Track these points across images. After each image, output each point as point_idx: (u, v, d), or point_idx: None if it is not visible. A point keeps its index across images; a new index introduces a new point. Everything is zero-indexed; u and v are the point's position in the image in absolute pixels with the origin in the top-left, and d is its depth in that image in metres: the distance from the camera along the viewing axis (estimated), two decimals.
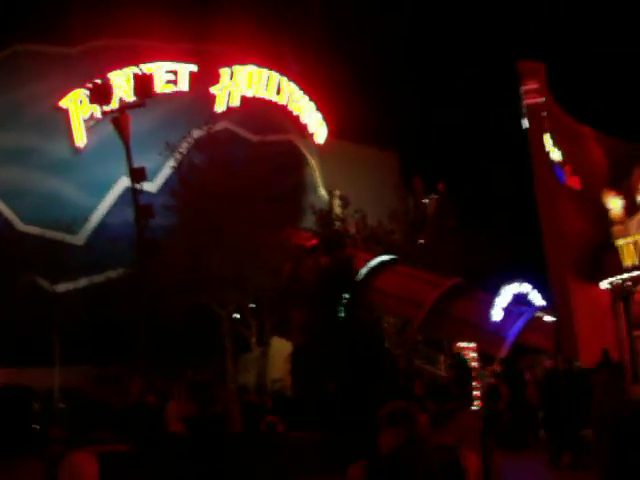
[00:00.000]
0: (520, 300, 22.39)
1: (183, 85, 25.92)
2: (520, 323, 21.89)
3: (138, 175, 20.68)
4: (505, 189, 33.64)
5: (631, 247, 29.67)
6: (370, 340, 19.45)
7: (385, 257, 23.56)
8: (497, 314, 21.18)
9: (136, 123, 21.23)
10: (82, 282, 24.19)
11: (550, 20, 48.19)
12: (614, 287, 31.70)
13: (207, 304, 20.22)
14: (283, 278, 21.24)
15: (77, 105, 25.43)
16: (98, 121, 24.05)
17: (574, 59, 43.91)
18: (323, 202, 26.72)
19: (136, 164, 20.91)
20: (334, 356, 19.07)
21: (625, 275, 30.28)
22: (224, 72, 26.81)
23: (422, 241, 27.02)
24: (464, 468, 5.02)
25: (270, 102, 28.18)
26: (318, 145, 29.93)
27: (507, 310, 21.44)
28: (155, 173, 23.75)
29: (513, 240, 28.01)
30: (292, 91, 28.86)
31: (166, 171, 24.56)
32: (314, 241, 22.44)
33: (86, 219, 25.68)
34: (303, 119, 29.39)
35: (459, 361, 16.39)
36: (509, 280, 22.40)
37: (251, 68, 27.40)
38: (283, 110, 28.72)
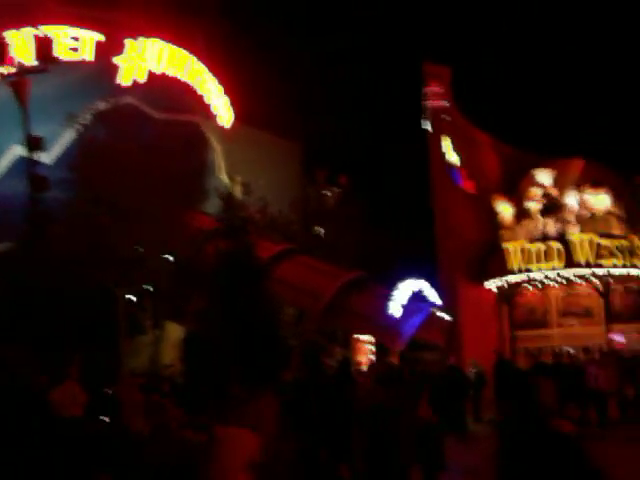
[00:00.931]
0: (417, 297, 22.84)
1: (87, 54, 24.79)
2: (417, 319, 22.34)
3: (35, 144, 19.74)
4: (405, 187, 34.26)
5: (517, 251, 30.92)
6: (268, 330, 19.29)
7: (286, 246, 23.46)
8: (395, 309, 21.50)
9: (34, 89, 20.25)
10: None
11: (459, 27, 49.37)
12: (499, 289, 32.97)
13: (103, 283, 19.50)
14: (182, 261, 20.80)
15: None
16: None
17: (478, 67, 45.19)
18: (225, 187, 26.28)
19: (32, 133, 19.96)
20: (229, 345, 18.84)
21: (510, 278, 31.55)
22: (130, 43, 25.81)
23: (322, 230, 27.12)
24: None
25: (178, 81, 27.41)
26: (223, 129, 29.43)
27: (405, 306, 21.81)
28: (52, 144, 22.65)
29: (413, 237, 28.56)
30: (201, 72, 28.20)
31: (64, 142, 23.46)
32: (216, 225, 22.05)
33: None
34: (210, 101, 28.80)
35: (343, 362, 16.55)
36: (408, 276, 22.80)
37: (161, 44, 26.57)
38: (190, 90, 28.02)
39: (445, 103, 33.51)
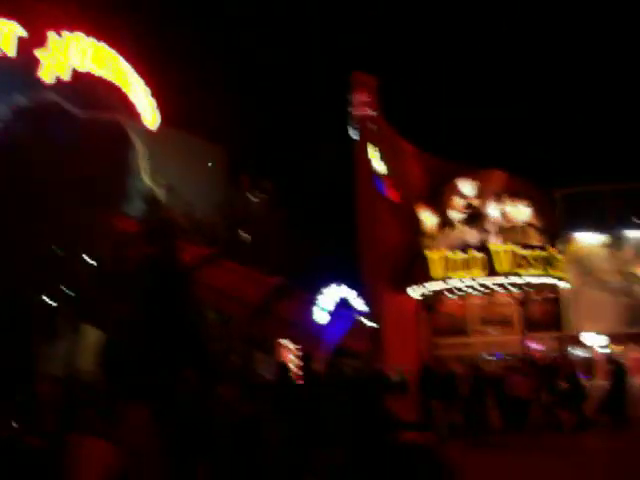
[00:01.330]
0: (343, 304, 22.89)
1: (7, 49, 23.91)
2: (342, 326, 22.38)
3: None
4: (331, 194, 34.40)
5: (439, 260, 31.42)
6: (192, 336, 18.98)
7: (211, 251, 23.15)
8: (320, 315, 21.48)
9: None
10: None
11: (387, 38, 50.08)
12: (421, 297, 33.42)
13: (17, 286, 18.77)
14: (104, 264, 20.26)
15: None
16: None
17: (404, 78, 45.92)
18: (149, 189, 25.77)
19: None
20: (152, 350, 18.44)
21: (432, 286, 32.03)
22: (53, 38, 25.03)
23: (247, 235, 26.91)
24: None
25: (103, 80, 26.74)
26: (148, 131, 28.86)
27: (330, 312, 21.81)
28: None
29: (338, 245, 28.69)
30: (127, 72, 27.60)
31: None
32: (139, 228, 21.56)
33: None
34: (135, 102, 28.21)
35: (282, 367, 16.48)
36: (332, 283, 22.83)
37: (85, 41, 25.86)
38: (115, 90, 27.38)
39: (372, 112, 33.84)
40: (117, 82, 27.50)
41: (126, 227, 21.69)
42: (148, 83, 28.52)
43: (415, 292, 32.77)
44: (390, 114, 35.54)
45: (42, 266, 18.75)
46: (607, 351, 34.29)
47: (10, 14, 23.88)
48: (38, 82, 24.10)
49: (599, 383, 22.89)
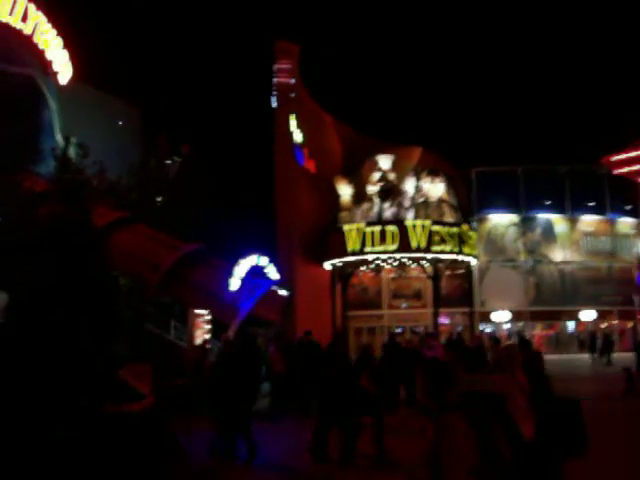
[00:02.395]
0: (257, 272, 22.67)
1: None
2: (255, 295, 22.19)
3: None
4: (249, 162, 34.00)
5: (354, 233, 31.64)
6: (103, 300, 18.41)
7: (124, 213, 22.48)
8: (234, 284, 21.23)
9: None
10: None
11: (311, 6, 49.58)
12: (335, 269, 33.62)
13: None
14: (10, 224, 19.39)
15: None
16: None
17: (327, 48, 45.65)
18: (60, 148, 24.79)
19: None
20: (61, 314, 17.82)
21: (346, 259, 32.25)
22: None
23: (160, 199, 26.29)
24: None
25: (13, 29, 25.40)
26: (60, 86, 27.65)
27: (244, 281, 21.57)
28: None
29: (254, 213, 28.42)
30: (40, 22, 26.28)
31: None
32: (49, 187, 20.71)
33: None
34: (48, 55, 26.94)
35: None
36: (247, 251, 22.57)
37: None
38: (27, 41, 26.07)
39: (293, 80, 33.55)
40: (29, 32, 26.19)
41: (35, 186, 20.82)
42: (61, 33, 27.27)
43: (330, 264, 32.92)
44: (311, 84, 35.36)
45: None
46: (511, 327, 35.53)
47: None
48: None
49: None
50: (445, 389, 5.21)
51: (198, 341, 20.90)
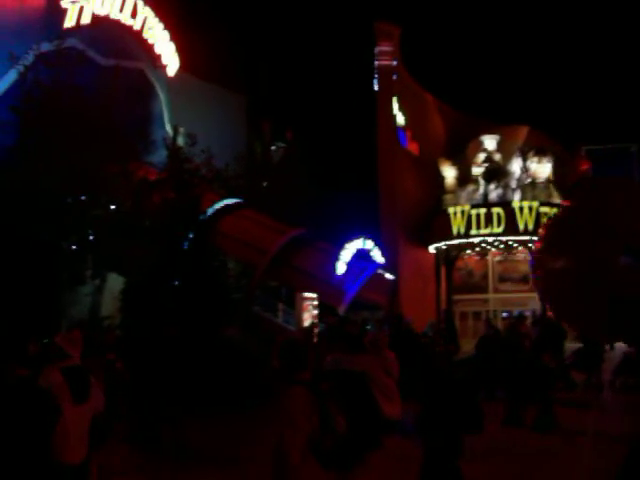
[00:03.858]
0: (362, 256, 22.86)
1: None
2: (361, 278, 22.39)
3: None
4: (352, 145, 34.16)
5: (459, 216, 31.29)
6: (214, 283, 19.12)
7: (232, 200, 23.12)
8: (340, 268, 21.49)
9: None
10: None
11: None
12: (440, 252, 33.38)
13: (42, 233, 18.91)
14: (125, 211, 20.34)
15: None
16: None
17: (428, 28, 45.12)
18: (170, 138, 25.73)
19: None
20: (173, 296, 18.62)
21: (451, 241, 31.97)
22: None
23: (265, 184, 26.85)
24: None
25: (123, 25, 26.51)
26: (169, 78, 28.66)
27: (350, 264, 21.80)
28: None
29: (358, 196, 28.57)
30: (148, 16, 27.31)
31: (4, 84, 22.52)
32: (161, 176, 21.57)
33: None
34: (156, 48, 27.97)
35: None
36: (352, 235, 22.79)
37: None
38: (137, 36, 27.14)
39: (394, 62, 33.36)
40: (138, 27, 27.25)
41: (147, 175, 21.73)
42: (168, 26, 28.23)
43: (434, 247, 32.73)
44: (413, 65, 35.07)
45: (67, 213, 18.86)
46: None
47: None
48: (61, 29, 23.96)
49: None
50: (296, 366, 5.59)
51: (305, 324, 21.33)
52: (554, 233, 6.18)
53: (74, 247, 19.90)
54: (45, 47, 21.65)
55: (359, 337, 7.49)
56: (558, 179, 32.00)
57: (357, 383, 5.75)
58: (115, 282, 21.04)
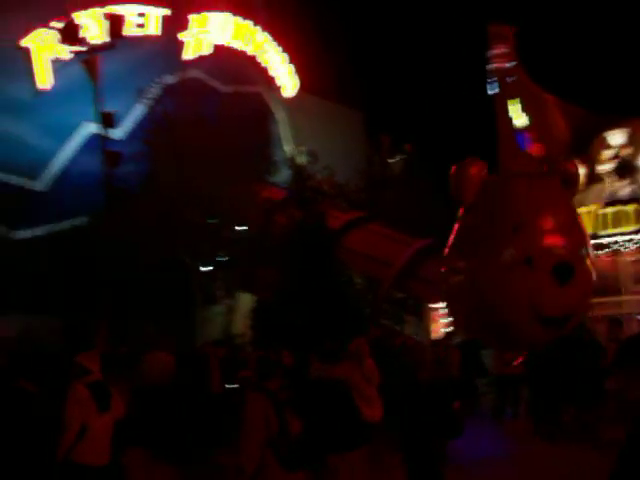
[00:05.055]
0: None
1: (152, 29, 25.04)
2: None
3: (107, 120, 20.08)
4: (471, 152, 33.72)
5: (588, 216, 30.19)
6: (342, 299, 19.36)
7: (355, 214, 23.33)
8: None
9: (104, 67, 20.59)
10: (43, 229, 23.47)
11: None
12: None
13: (177, 255, 19.85)
14: (253, 232, 20.97)
15: (40, 45, 24.34)
16: (63, 63, 23.11)
17: (542, 25, 44.03)
18: (292, 157, 26.37)
19: (104, 109, 20.30)
20: (300, 313, 18.98)
21: None
22: (193, 18, 26.00)
23: (387, 196, 26.94)
24: None
25: (241, 52, 27.49)
26: (286, 99, 29.42)
27: None
28: (123, 119, 23.03)
29: None
30: (264, 41, 28.18)
31: (134, 118, 23.82)
32: (285, 195, 22.12)
33: (47, 164, 24.78)
34: (273, 71, 28.80)
35: None
36: None
37: (224, 16, 26.63)
38: (253, 62, 28.07)
39: (510, 65, 32.74)
40: (255, 53, 28.13)
41: (272, 195, 22.30)
42: (285, 49, 28.99)
43: None
44: (530, 65, 34.26)
45: (199, 235, 19.69)
46: None
47: (163, 1, 25.04)
48: (183, 60, 25.11)
49: None
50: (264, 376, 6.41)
51: (435, 335, 21.19)
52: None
53: (207, 268, 20.73)
54: (168, 79, 22.71)
55: (337, 349, 7.88)
56: None
57: (338, 391, 6.27)
58: (246, 301, 21.70)
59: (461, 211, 5.11)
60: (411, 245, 22.15)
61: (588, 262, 3.48)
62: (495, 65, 34.06)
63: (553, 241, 4.07)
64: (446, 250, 5.12)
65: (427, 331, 22.66)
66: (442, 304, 22.11)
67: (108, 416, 6.63)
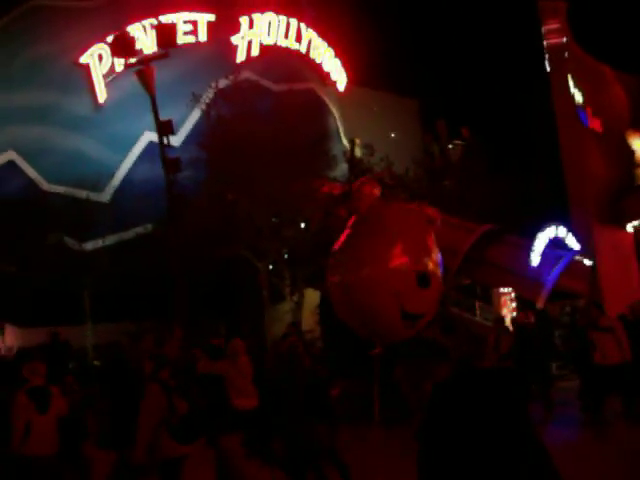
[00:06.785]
0: (557, 244, 22.08)
1: (202, 36, 25.43)
2: (558, 268, 21.63)
3: (165, 128, 20.35)
4: (530, 132, 33.14)
5: None
6: None
7: (417, 204, 23.17)
8: (535, 259, 20.88)
9: (158, 76, 20.91)
10: (110, 239, 24.12)
11: None
12: (638, 231, 31.39)
13: (242, 256, 20.08)
14: (314, 228, 21.05)
15: (97, 60, 24.98)
16: (118, 75, 23.64)
17: None
18: (348, 151, 26.38)
19: (161, 117, 20.60)
20: None
21: None
22: (243, 20, 26.29)
23: (447, 183, 26.69)
24: None
25: (290, 50, 27.66)
26: (339, 93, 29.44)
27: (544, 254, 21.14)
28: (179, 125, 23.43)
29: (542, 184, 27.66)
30: (312, 38, 28.27)
31: (189, 124, 24.24)
32: (344, 189, 22.11)
33: (110, 176, 25.46)
34: (323, 66, 28.88)
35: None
36: (543, 224, 22.07)
37: (270, 16, 26.83)
38: (303, 58, 28.19)
39: (564, 39, 32.03)
40: (304, 50, 28.24)
41: (332, 190, 22.32)
42: (332, 44, 29.00)
43: (631, 227, 30.87)
44: (582, 38, 33.47)
45: (262, 234, 19.89)
46: None
47: (204, 6, 25.35)
48: (234, 63, 25.38)
49: None
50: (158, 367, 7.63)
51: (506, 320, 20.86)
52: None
53: (271, 266, 20.90)
54: (221, 83, 22.97)
55: (219, 347, 9.10)
56: None
57: (214, 383, 7.47)
58: (312, 297, 21.80)
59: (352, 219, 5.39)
60: (474, 231, 21.95)
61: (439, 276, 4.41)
62: (550, 41, 33.45)
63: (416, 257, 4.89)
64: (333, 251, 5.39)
65: (497, 315, 22.30)
66: (508, 288, 21.87)
67: (49, 415, 7.87)
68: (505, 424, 3.31)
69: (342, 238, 5.61)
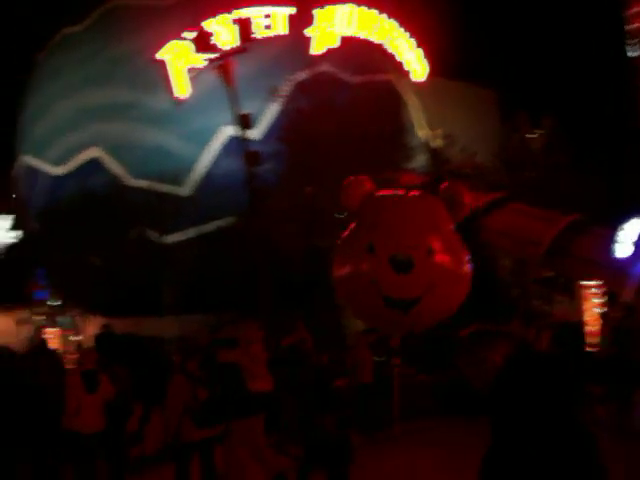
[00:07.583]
0: None
1: (280, 29, 25.51)
2: None
3: (245, 122, 20.58)
4: (612, 119, 32.11)
5: None
6: (485, 281, 18.92)
7: (497, 195, 22.73)
8: (621, 250, 20.19)
9: (237, 70, 21.11)
10: (191, 232, 24.51)
11: None
12: None
13: (323, 247, 20.08)
14: None
15: (175, 56, 25.37)
16: (198, 71, 23.95)
17: None
18: (427, 142, 26.07)
19: (240, 111, 20.81)
20: None
21: None
22: (319, 13, 26.23)
23: (527, 174, 26.06)
24: None
25: (368, 42, 27.47)
26: (417, 84, 29.11)
27: (636, 245, 20.42)
28: (259, 119, 23.59)
29: (630, 173, 26.77)
30: (391, 29, 28.01)
31: (269, 118, 24.38)
32: (425, 180, 21.86)
33: (191, 170, 25.86)
34: (402, 58, 28.60)
35: None
36: (631, 214, 21.31)
37: (348, 7, 26.71)
38: (381, 50, 27.96)
39: None
40: (382, 42, 28.01)
41: (411, 181, 22.07)
42: (413, 34, 28.69)
43: None
44: None
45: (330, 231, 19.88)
46: None
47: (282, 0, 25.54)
48: (312, 56, 25.39)
49: None
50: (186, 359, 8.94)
51: (588, 314, 20.23)
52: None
53: None
54: (299, 76, 23.01)
55: (233, 339, 9.32)
56: None
57: (230, 370, 7.75)
58: None
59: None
60: (558, 222, 21.36)
61: (433, 261, 3.89)
62: (635, 25, 32.32)
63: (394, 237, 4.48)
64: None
65: (579, 310, 21.67)
66: (593, 281, 21.15)
67: (96, 396, 8.78)
68: (551, 404, 3.84)
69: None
